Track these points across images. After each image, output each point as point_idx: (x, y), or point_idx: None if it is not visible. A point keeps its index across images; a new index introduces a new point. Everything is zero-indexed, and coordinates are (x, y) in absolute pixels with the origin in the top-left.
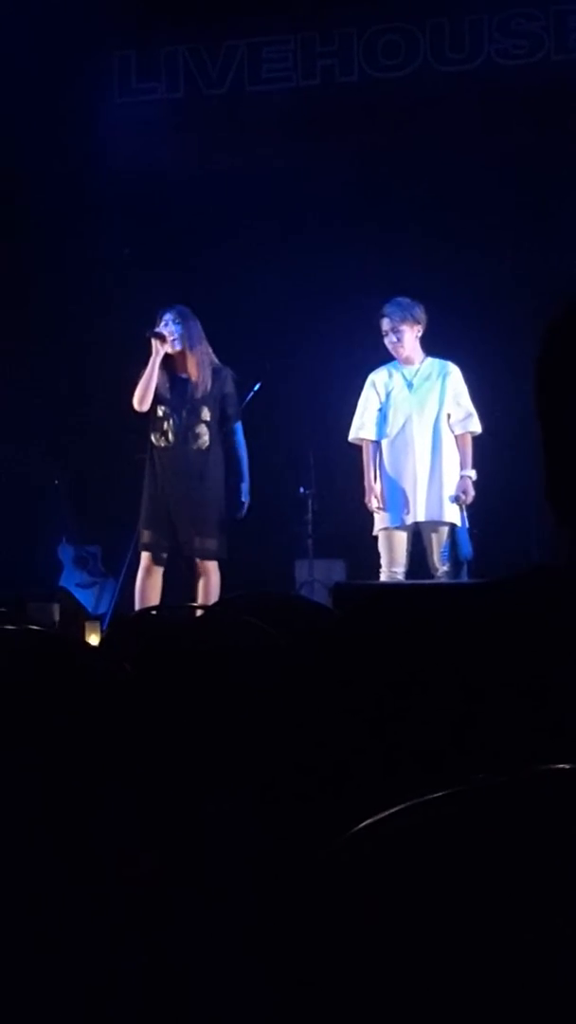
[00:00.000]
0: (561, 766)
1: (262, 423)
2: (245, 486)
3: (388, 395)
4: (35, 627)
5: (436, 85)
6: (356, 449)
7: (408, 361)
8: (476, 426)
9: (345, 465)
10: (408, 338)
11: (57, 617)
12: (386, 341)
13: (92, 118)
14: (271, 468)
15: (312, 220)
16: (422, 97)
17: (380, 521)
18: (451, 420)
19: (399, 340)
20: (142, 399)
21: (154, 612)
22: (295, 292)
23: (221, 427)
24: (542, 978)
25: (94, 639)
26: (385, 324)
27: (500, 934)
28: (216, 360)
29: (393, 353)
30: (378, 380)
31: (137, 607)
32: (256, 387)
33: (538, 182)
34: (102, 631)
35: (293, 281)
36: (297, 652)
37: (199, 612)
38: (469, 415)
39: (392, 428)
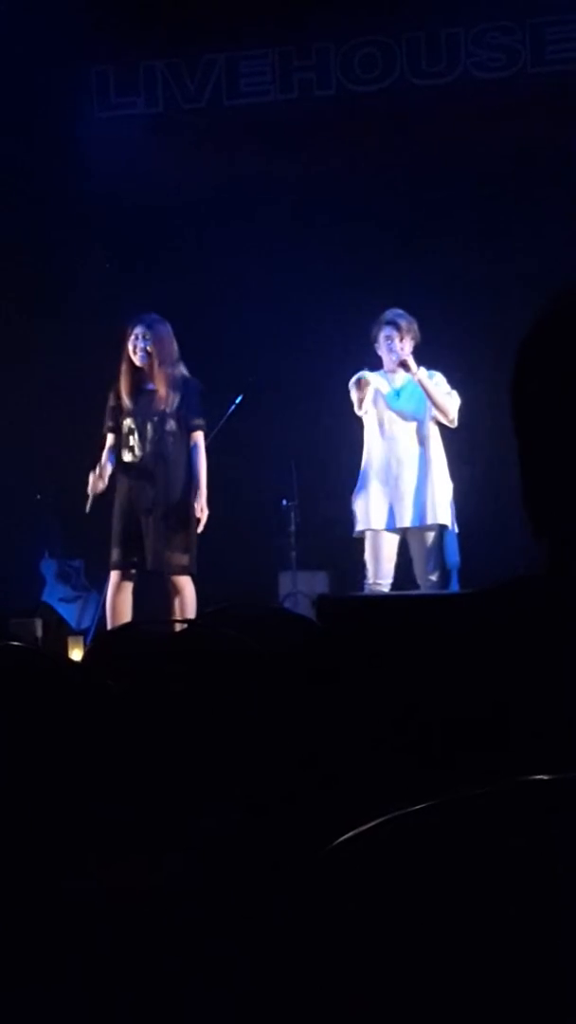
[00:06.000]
0: (540, 777)
1: (244, 435)
2: (199, 503)
3: (376, 401)
4: (17, 643)
5: (413, 98)
6: (338, 461)
7: (397, 370)
8: (456, 398)
9: (328, 477)
10: (408, 348)
11: (40, 632)
12: (392, 344)
13: (71, 133)
14: (254, 480)
15: (291, 233)
16: (399, 110)
17: (362, 522)
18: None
19: (404, 348)
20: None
21: (137, 627)
22: (277, 304)
23: (185, 438)
24: (532, 983)
25: (77, 654)
26: (391, 331)
27: (485, 944)
28: (185, 371)
29: (394, 356)
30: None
31: (109, 626)
32: (238, 399)
33: (516, 193)
34: (85, 646)
35: (274, 294)
36: (280, 665)
37: (180, 627)
38: (448, 392)
39: (380, 434)
